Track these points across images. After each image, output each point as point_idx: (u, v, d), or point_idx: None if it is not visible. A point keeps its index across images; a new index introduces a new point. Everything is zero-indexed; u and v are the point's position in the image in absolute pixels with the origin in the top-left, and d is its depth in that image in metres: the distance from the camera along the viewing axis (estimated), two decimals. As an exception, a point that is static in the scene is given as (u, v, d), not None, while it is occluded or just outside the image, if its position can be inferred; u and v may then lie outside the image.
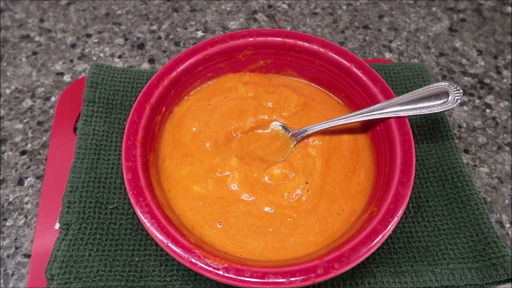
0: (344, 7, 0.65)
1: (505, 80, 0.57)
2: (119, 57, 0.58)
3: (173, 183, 0.42)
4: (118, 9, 0.64)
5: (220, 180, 0.42)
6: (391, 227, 0.35)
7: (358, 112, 0.43)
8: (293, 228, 0.39)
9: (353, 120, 0.43)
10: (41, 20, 0.62)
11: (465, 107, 0.54)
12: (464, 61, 0.59)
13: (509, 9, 0.65)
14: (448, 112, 0.53)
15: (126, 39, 0.60)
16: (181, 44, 0.60)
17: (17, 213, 0.45)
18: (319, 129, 0.43)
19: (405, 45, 0.61)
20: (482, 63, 0.59)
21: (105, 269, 0.39)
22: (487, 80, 0.57)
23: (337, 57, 0.46)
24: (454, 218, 0.43)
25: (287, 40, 0.47)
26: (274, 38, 0.47)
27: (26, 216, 0.45)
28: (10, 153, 0.49)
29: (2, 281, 0.41)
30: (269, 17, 0.63)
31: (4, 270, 0.42)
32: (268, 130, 0.45)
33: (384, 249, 0.41)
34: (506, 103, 0.54)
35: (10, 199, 0.46)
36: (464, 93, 0.55)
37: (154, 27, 0.62)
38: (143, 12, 0.64)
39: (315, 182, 0.42)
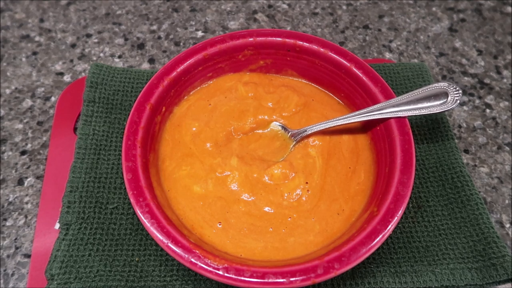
0: (344, 7, 0.65)
1: (505, 80, 0.57)
2: (119, 57, 0.58)
3: (173, 183, 0.42)
4: (118, 9, 0.64)
5: (220, 180, 0.42)
6: (391, 227, 0.35)
7: (358, 112, 0.43)
8: (293, 228, 0.39)
9: (353, 120, 0.43)
10: (41, 20, 0.62)
11: (465, 107, 0.54)
12: (464, 61, 0.59)
13: (509, 9, 0.65)
14: (448, 112, 0.53)
15: (126, 39, 0.60)
16: (181, 44, 0.60)
17: (17, 213, 0.45)
18: (319, 129, 0.43)
19: (405, 45, 0.61)
20: (482, 63, 0.59)
21: (105, 269, 0.39)
22: (487, 80, 0.57)
23: (337, 57, 0.46)
24: (454, 218, 0.43)
25: (287, 40, 0.47)
26: (274, 38, 0.47)
27: (26, 216, 0.45)
28: (10, 153, 0.49)
29: (2, 281, 0.41)
30: (269, 17, 0.63)
31: (4, 270, 0.42)
32: (267, 130, 0.46)
33: (384, 249, 0.41)
34: (506, 103, 0.54)
35: (10, 199, 0.46)
36: (464, 93, 0.55)
37: (154, 27, 0.62)
38: (143, 12, 0.64)
39: (315, 182, 0.42)
